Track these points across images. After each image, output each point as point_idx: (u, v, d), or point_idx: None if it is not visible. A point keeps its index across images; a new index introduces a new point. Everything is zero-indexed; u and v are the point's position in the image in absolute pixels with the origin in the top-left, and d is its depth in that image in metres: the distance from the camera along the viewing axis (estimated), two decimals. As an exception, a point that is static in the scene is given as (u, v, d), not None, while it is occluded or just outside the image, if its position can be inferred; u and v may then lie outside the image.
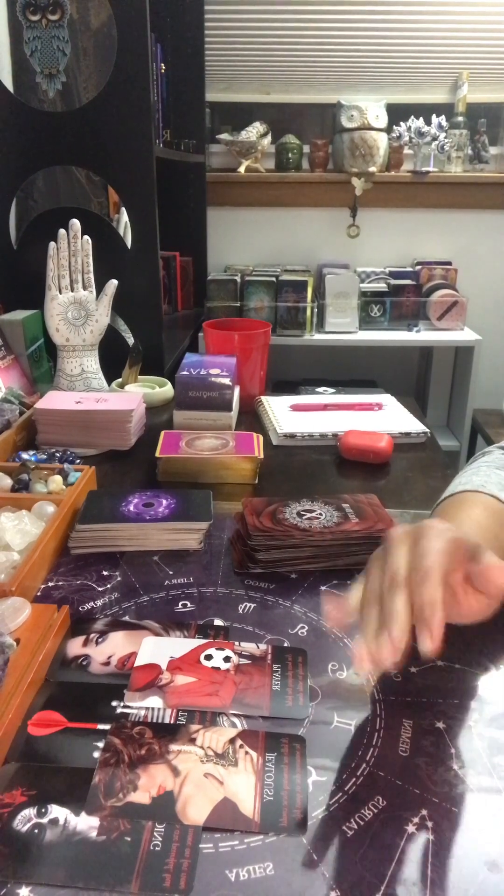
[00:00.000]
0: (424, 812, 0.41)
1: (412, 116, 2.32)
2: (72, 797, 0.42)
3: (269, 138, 2.36)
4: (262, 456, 0.90)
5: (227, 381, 1.02)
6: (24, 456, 0.86)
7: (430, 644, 0.41)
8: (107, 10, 1.27)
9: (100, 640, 0.57)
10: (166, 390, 1.20)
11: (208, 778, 0.43)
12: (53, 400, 1.00)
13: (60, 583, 0.66)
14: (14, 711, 0.47)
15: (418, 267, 2.42)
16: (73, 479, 0.80)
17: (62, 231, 1.08)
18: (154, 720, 0.48)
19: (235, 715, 0.49)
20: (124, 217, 1.39)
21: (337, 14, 2.25)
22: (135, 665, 0.54)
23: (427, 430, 1.04)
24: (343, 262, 2.42)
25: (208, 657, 0.55)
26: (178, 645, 0.56)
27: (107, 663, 0.54)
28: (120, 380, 1.22)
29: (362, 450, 0.96)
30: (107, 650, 0.56)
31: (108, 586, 0.65)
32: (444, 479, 0.87)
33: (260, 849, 0.39)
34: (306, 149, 2.39)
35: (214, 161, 2.47)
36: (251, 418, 1.14)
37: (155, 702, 0.50)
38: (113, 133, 1.25)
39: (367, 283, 2.30)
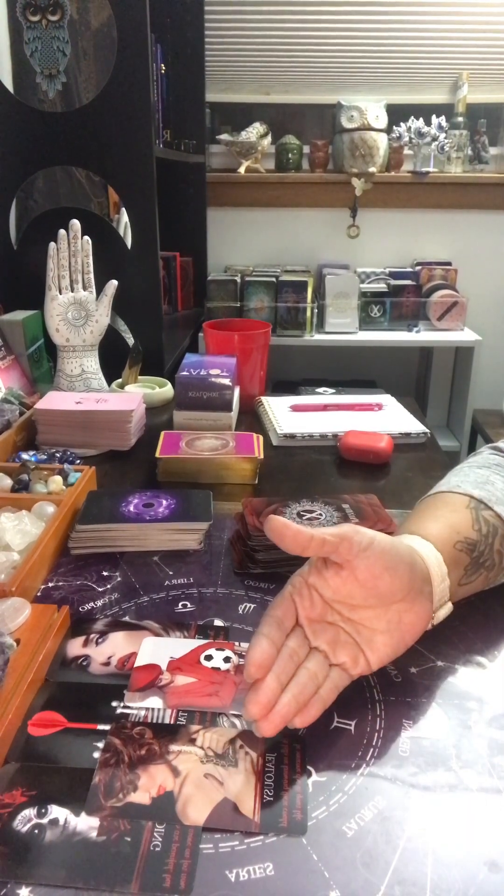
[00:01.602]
0: (424, 812, 0.41)
1: (412, 117, 2.32)
2: (72, 797, 0.42)
3: (269, 139, 2.36)
4: (262, 456, 0.90)
5: (227, 381, 1.02)
6: (24, 456, 0.86)
7: (298, 722, 0.45)
8: (107, 10, 1.27)
9: (100, 640, 0.57)
10: (166, 390, 1.20)
11: (208, 778, 0.43)
12: (53, 400, 1.00)
13: (60, 583, 0.66)
14: (14, 711, 0.47)
15: (418, 267, 2.42)
16: (73, 479, 0.80)
17: (62, 231, 1.08)
18: (154, 720, 0.48)
19: (235, 715, 0.49)
20: (124, 217, 1.39)
21: (337, 14, 2.25)
22: (135, 665, 0.54)
23: (427, 430, 1.04)
24: (343, 263, 2.42)
25: (208, 657, 0.55)
26: (178, 645, 0.56)
27: (107, 663, 0.54)
28: (120, 380, 1.22)
29: (362, 450, 0.96)
30: (107, 650, 0.56)
31: (108, 586, 0.65)
32: (444, 480, 0.87)
33: (260, 849, 0.39)
34: (306, 149, 2.39)
35: (214, 161, 2.47)
36: (251, 418, 1.14)
37: (155, 702, 0.50)
38: (113, 133, 1.25)
39: (367, 283, 2.30)
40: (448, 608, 0.54)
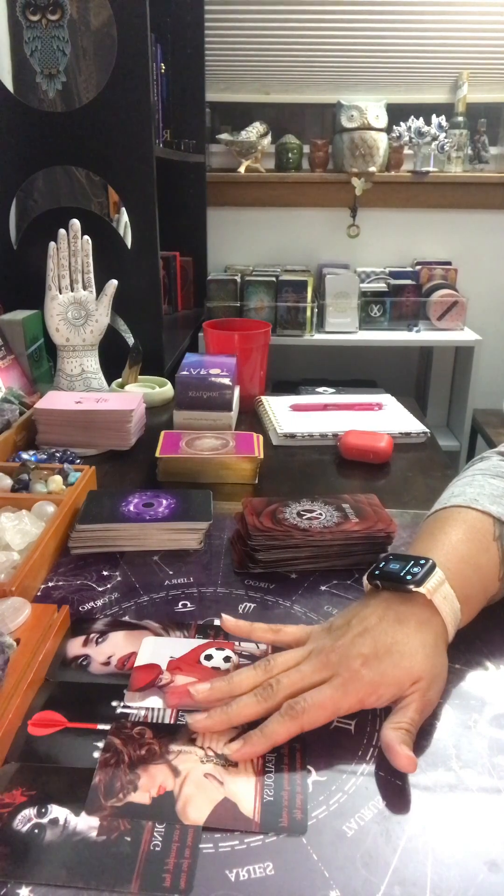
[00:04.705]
0: (424, 812, 0.41)
1: (412, 116, 2.32)
2: (72, 797, 0.42)
3: (269, 138, 2.36)
4: (262, 456, 0.90)
5: (227, 381, 1.02)
6: (24, 456, 0.86)
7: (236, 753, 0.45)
8: (107, 10, 1.27)
9: (100, 640, 0.57)
10: (166, 390, 1.20)
11: (208, 778, 0.43)
12: (53, 400, 1.00)
13: (60, 583, 0.66)
14: (14, 711, 0.47)
15: (418, 267, 2.42)
16: (73, 479, 0.80)
17: (62, 231, 1.08)
18: (154, 720, 0.48)
19: (235, 715, 0.49)
20: (124, 217, 1.39)
21: (337, 14, 2.25)
22: (135, 665, 0.54)
23: (427, 430, 1.04)
24: (343, 262, 2.42)
25: (208, 657, 0.55)
26: (178, 645, 0.56)
27: (107, 663, 0.54)
28: (120, 380, 1.22)
29: (362, 450, 0.96)
30: (107, 650, 0.56)
31: (108, 586, 0.65)
32: (443, 479, 0.87)
33: (260, 849, 0.39)
34: (306, 149, 2.39)
35: (214, 161, 2.47)
36: (251, 418, 1.14)
37: (155, 702, 0.50)
38: (113, 133, 1.25)
39: (367, 283, 2.30)
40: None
